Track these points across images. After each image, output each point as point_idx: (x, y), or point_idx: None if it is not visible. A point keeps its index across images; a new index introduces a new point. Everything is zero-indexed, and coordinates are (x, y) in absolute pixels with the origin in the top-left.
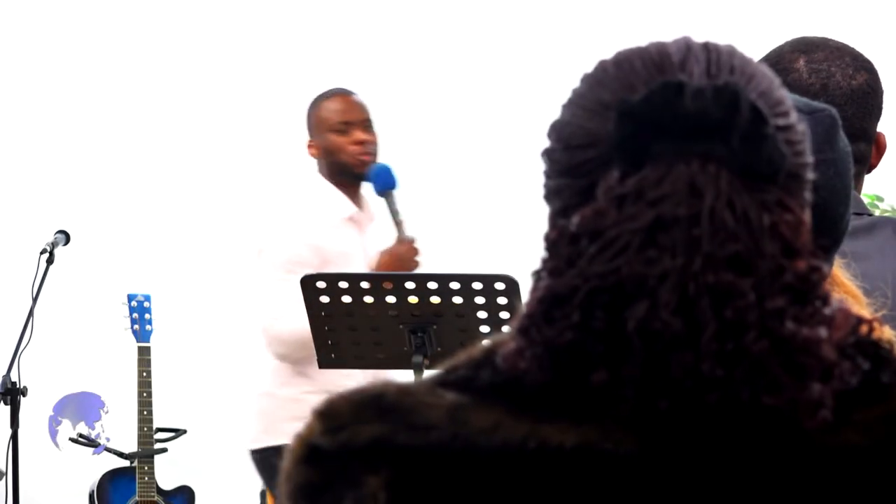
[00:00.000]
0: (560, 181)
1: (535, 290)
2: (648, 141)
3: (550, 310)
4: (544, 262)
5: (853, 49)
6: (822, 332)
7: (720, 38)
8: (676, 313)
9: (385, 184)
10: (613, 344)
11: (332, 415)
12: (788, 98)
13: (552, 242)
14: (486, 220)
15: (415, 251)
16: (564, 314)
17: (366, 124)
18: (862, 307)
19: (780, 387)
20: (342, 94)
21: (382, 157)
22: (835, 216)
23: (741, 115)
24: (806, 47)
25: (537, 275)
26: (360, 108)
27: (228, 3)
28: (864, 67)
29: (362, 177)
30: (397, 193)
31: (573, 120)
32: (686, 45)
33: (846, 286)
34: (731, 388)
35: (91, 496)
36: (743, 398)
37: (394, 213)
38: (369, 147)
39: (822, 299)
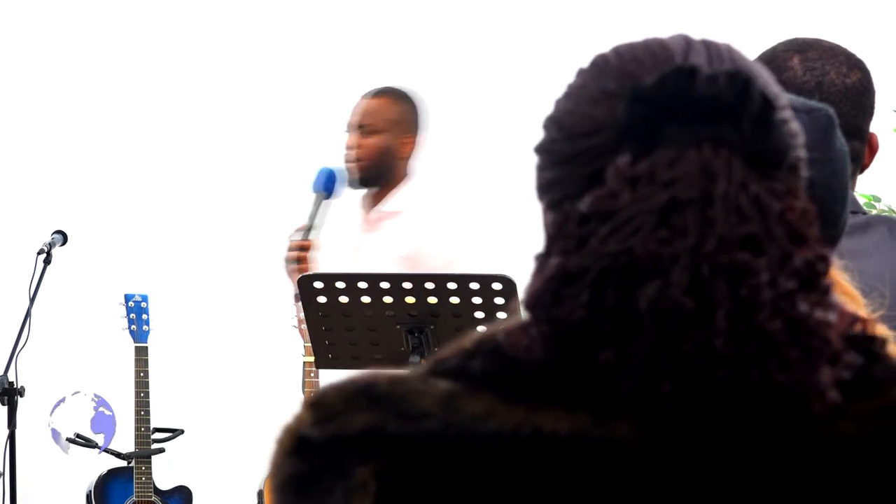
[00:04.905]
0: (560, 171)
1: (540, 270)
2: (660, 124)
3: (560, 288)
4: (548, 245)
5: (846, 49)
6: (832, 316)
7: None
8: (688, 293)
9: (319, 186)
10: (623, 322)
11: (323, 405)
12: (784, 95)
13: (558, 226)
14: (484, 221)
15: (296, 256)
16: (574, 293)
17: (360, 128)
18: (860, 307)
19: (791, 366)
20: (365, 95)
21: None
22: (832, 215)
23: (753, 102)
24: (800, 47)
25: (542, 257)
26: (360, 112)
27: (228, 3)
28: (857, 66)
29: (354, 183)
30: (330, 201)
31: (576, 109)
32: (685, 41)
33: (843, 286)
34: (741, 365)
35: (88, 496)
36: (753, 377)
37: (311, 215)
38: (352, 153)
39: (827, 288)
